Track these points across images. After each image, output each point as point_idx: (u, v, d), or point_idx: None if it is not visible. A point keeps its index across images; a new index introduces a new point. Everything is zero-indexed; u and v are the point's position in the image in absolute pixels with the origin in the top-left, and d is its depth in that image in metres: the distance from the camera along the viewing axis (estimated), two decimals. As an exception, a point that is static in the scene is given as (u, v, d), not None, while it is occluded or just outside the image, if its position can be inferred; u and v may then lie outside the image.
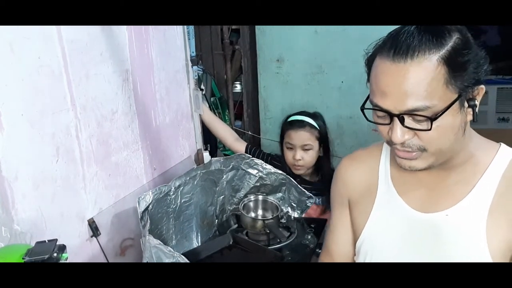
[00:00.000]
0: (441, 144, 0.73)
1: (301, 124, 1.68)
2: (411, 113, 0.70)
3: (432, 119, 0.69)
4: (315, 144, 1.67)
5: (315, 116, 1.73)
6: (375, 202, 0.89)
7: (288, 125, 1.72)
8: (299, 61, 2.62)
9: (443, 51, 0.68)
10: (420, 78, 0.68)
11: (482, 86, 0.74)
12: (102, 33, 1.21)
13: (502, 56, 2.82)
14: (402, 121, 0.71)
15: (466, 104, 0.72)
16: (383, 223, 0.88)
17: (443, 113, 0.69)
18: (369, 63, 0.77)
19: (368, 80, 0.78)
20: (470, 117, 0.74)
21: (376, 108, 0.74)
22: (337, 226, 1.00)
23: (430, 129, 0.70)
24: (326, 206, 1.66)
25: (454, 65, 0.69)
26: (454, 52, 0.69)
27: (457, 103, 0.70)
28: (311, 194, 1.51)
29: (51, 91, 1.05)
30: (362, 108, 0.78)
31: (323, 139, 1.70)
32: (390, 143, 0.77)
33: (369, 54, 0.77)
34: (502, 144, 0.82)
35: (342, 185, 0.98)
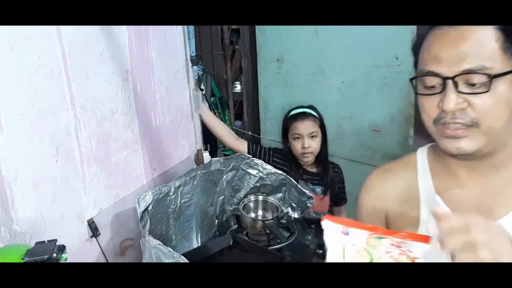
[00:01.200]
0: (494, 120, 0.69)
1: (305, 115, 1.82)
2: (468, 72, 0.67)
3: (491, 76, 0.66)
4: (319, 131, 1.81)
5: (312, 107, 1.88)
6: (421, 217, 0.83)
7: (292, 119, 1.84)
8: (299, 61, 2.62)
9: None
10: (477, 39, 0.67)
11: None
12: (102, 33, 1.21)
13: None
14: (456, 86, 0.68)
15: None
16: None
17: (502, 75, 0.66)
18: (418, 43, 0.76)
19: (415, 66, 0.76)
20: None
21: (428, 74, 0.71)
22: None
23: (488, 91, 0.66)
24: (324, 194, 1.84)
25: (510, 33, 0.68)
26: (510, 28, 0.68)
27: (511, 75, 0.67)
28: (311, 195, 1.51)
29: (51, 91, 1.05)
30: (412, 78, 0.75)
31: (323, 127, 1.84)
32: (438, 119, 0.72)
33: (419, 36, 0.76)
34: None
35: (376, 200, 0.91)
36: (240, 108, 3.04)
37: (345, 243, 0.64)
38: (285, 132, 1.85)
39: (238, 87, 3.08)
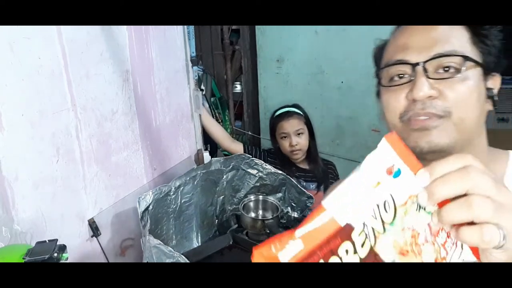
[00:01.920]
0: (466, 112, 0.65)
1: (290, 114, 1.88)
2: (440, 56, 0.64)
3: (464, 57, 0.63)
4: (305, 128, 1.86)
5: (296, 106, 1.93)
6: None
7: (277, 118, 1.90)
8: (299, 61, 2.62)
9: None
10: (446, 28, 0.66)
11: (499, 75, 0.71)
12: (102, 33, 1.22)
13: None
14: (426, 72, 0.64)
15: (485, 88, 0.69)
16: None
17: (474, 62, 0.64)
18: (381, 46, 0.75)
19: (378, 68, 0.75)
20: (489, 107, 0.71)
21: (396, 63, 0.68)
22: None
23: (459, 72, 0.63)
24: (318, 190, 1.87)
25: (476, 31, 0.67)
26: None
27: (481, 70, 0.66)
28: (311, 194, 1.51)
29: (51, 91, 1.05)
30: (378, 71, 0.72)
31: (309, 124, 1.89)
32: (406, 112, 0.66)
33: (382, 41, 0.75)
34: (511, 152, 0.76)
35: None
36: (240, 108, 3.04)
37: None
38: (272, 132, 1.92)
39: (238, 87, 3.09)
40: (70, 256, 0.81)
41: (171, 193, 1.33)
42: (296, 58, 2.62)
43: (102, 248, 1.25)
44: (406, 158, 0.42)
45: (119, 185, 1.33)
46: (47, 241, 0.80)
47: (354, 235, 0.41)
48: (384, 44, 0.76)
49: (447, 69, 0.65)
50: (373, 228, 0.41)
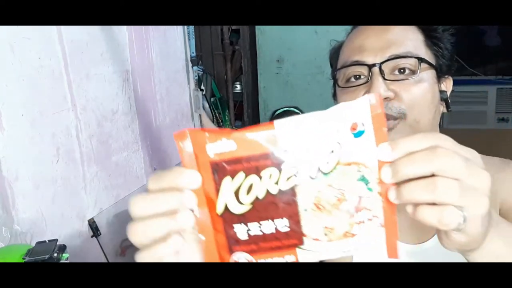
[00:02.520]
0: (420, 113, 0.65)
1: (289, 114, 1.94)
2: (395, 57, 0.64)
3: (419, 59, 0.64)
4: None
5: (296, 108, 1.99)
6: None
7: (277, 118, 1.91)
8: (299, 61, 2.62)
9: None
10: (401, 30, 0.67)
11: (451, 78, 0.72)
12: (103, 33, 1.22)
13: (502, 56, 2.82)
14: (382, 74, 0.64)
15: (438, 91, 0.69)
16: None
17: (428, 63, 0.65)
18: (337, 46, 0.75)
19: (333, 69, 0.74)
20: (443, 109, 0.71)
21: (353, 64, 0.67)
22: None
23: (415, 74, 0.64)
24: None
25: (430, 34, 0.68)
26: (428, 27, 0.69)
27: (435, 73, 0.67)
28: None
29: (51, 91, 1.05)
30: (334, 72, 0.72)
31: None
32: None
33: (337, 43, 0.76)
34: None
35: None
36: (240, 108, 3.04)
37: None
38: None
39: (238, 88, 3.08)
40: (70, 256, 0.81)
41: (171, 193, 1.33)
42: (296, 58, 2.62)
43: (102, 248, 1.25)
44: (377, 125, 0.38)
45: (119, 185, 1.33)
46: (47, 241, 0.80)
47: (285, 166, 0.39)
48: (339, 45, 0.76)
49: (403, 70, 0.66)
50: (307, 168, 0.39)
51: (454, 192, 0.37)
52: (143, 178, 1.46)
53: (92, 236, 1.22)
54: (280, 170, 0.38)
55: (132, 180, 1.40)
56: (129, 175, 1.38)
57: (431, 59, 0.68)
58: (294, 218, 0.39)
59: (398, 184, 0.39)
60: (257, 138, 0.39)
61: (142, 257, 0.41)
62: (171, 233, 0.39)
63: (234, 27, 2.87)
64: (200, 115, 1.80)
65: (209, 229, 0.41)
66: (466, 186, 0.38)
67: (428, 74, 0.67)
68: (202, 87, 1.81)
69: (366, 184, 0.39)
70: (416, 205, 0.39)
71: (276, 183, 0.39)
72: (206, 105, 2.00)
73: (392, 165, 0.39)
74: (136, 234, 0.40)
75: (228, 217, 0.40)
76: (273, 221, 0.39)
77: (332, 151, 0.38)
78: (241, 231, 0.40)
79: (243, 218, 0.39)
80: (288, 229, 0.40)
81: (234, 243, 0.41)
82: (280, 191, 0.39)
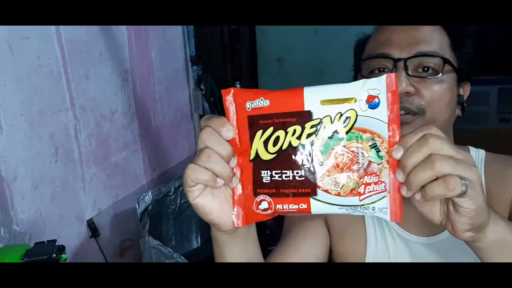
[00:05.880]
0: (439, 112, 0.67)
1: None
2: (422, 55, 0.66)
3: (444, 60, 0.66)
4: None
5: None
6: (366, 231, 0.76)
7: None
8: (299, 61, 2.62)
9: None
10: (429, 29, 0.68)
11: (469, 84, 0.73)
12: (102, 33, 1.21)
13: (502, 56, 2.81)
14: (406, 69, 0.66)
15: (457, 94, 0.70)
16: (385, 253, 0.75)
17: (452, 66, 0.67)
18: (365, 38, 0.76)
19: (357, 60, 0.75)
20: (458, 112, 0.73)
21: (379, 56, 0.68)
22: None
23: (440, 74, 0.66)
24: None
25: (455, 38, 0.70)
26: (454, 29, 0.70)
27: (456, 76, 0.69)
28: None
29: (50, 91, 1.05)
30: (358, 62, 0.73)
31: None
32: None
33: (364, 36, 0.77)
34: (470, 147, 0.77)
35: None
36: (240, 108, 3.04)
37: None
38: None
39: (238, 87, 3.09)
40: (69, 257, 0.81)
41: (171, 194, 1.32)
42: (296, 58, 2.62)
43: (101, 249, 1.25)
44: (390, 101, 0.45)
45: (118, 185, 1.33)
46: (46, 242, 0.80)
47: (307, 124, 0.45)
48: (366, 38, 0.77)
49: (426, 69, 0.67)
50: (326, 129, 0.45)
51: (449, 163, 0.44)
52: (142, 178, 1.46)
53: (91, 237, 1.21)
54: (303, 128, 0.45)
55: (131, 180, 1.40)
56: (128, 175, 1.38)
57: (454, 62, 0.69)
58: (310, 170, 0.46)
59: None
60: (287, 97, 0.46)
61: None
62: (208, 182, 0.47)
63: (234, 27, 2.86)
64: (200, 115, 1.79)
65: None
66: (457, 159, 0.45)
67: (450, 76, 0.68)
68: (202, 87, 1.80)
69: (377, 152, 0.45)
70: (423, 188, 0.44)
71: (298, 138, 0.45)
72: (206, 105, 2.00)
73: (399, 163, 0.45)
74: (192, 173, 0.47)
75: (257, 163, 0.47)
76: (292, 170, 0.46)
77: (349, 117, 0.45)
78: (266, 175, 0.47)
79: (269, 165, 0.47)
80: (303, 179, 0.45)
81: (259, 186, 0.48)
82: (300, 144, 0.45)
